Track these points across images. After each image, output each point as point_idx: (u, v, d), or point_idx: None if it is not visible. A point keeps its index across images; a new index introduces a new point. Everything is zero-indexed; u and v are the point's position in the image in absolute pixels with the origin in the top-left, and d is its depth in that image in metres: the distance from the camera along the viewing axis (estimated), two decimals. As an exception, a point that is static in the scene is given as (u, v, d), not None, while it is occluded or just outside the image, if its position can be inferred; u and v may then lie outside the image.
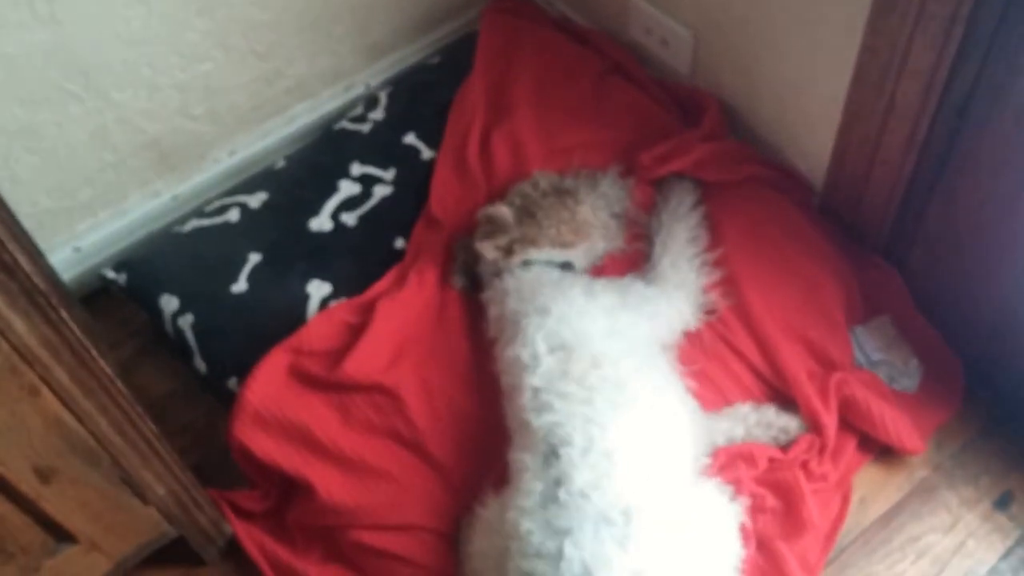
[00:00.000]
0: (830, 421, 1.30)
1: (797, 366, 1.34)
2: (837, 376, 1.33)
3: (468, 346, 1.39)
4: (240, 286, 1.46)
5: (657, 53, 1.69)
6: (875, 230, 1.46)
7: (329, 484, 1.24)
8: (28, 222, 1.44)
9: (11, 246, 0.89)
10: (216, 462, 1.36)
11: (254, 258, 1.49)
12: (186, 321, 1.44)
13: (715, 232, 1.46)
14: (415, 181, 1.57)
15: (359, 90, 1.74)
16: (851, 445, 1.32)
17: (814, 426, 1.30)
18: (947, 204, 1.33)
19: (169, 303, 1.45)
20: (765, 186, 1.52)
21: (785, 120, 1.53)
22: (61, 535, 1.05)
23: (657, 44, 1.67)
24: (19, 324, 0.85)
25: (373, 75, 1.75)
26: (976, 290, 1.36)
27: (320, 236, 1.52)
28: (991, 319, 1.36)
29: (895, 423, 1.31)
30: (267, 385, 1.33)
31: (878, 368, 1.40)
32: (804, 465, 1.28)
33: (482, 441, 1.29)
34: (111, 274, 1.51)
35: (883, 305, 1.45)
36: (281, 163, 1.64)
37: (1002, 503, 1.31)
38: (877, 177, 1.38)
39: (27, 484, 0.96)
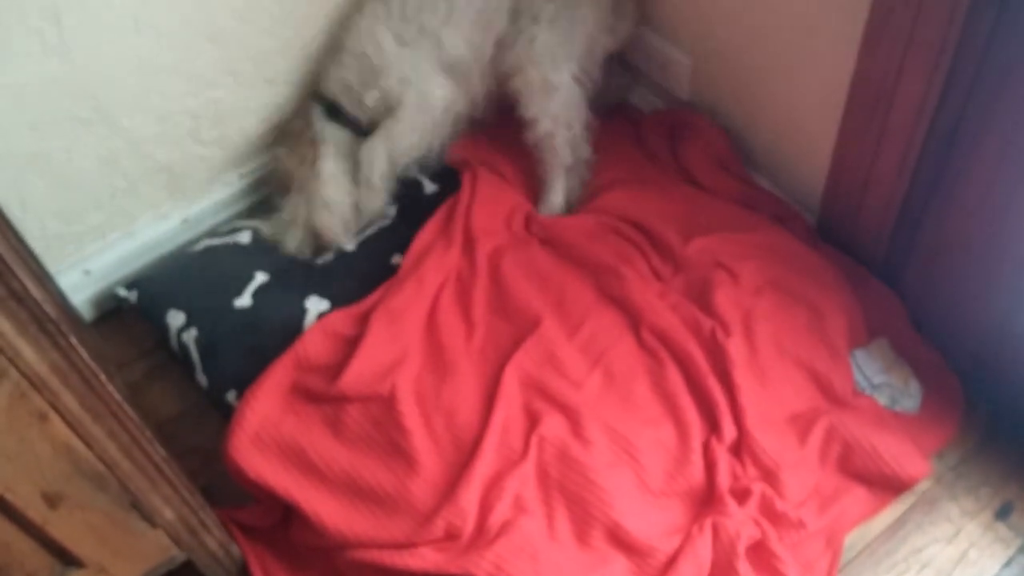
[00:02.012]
0: (789, 469, 1.29)
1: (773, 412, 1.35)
2: (828, 419, 1.33)
3: (464, 354, 1.41)
4: (244, 301, 1.49)
5: (656, 78, 1.71)
6: (870, 250, 1.47)
7: (319, 509, 1.25)
8: (37, 245, 1.47)
9: (21, 273, 0.90)
10: (225, 483, 1.36)
11: (261, 277, 1.52)
12: (190, 336, 1.46)
13: (724, 271, 1.47)
14: (416, 214, 1.60)
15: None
16: (848, 495, 1.31)
17: (765, 475, 1.30)
18: (939, 224, 1.35)
19: (176, 318, 1.48)
20: (767, 220, 1.55)
21: (781, 144, 1.54)
22: (68, 560, 1.05)
23: (656, 69, 1.69)
24: (28, 351, 0.85)
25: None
26: (970, 305, 1.37)
27: (324, 261, 1.57)
28: (986, 333, 1.37)
29: (895, 454, 1.31)
30: (267, 403, 1.35)
31: (879, 391, 1.40)
32: (767, 512, 1.27)
33: (477, 449, 1.29)
34: (123, 292, 1.55)
35: (881, 326, 1.46)
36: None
37: (1003, 513, 1.32)
38: (871, 199, 1.40)
39: (35, 509, 0.96)
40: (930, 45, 1.16)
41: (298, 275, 1.53)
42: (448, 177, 1.65)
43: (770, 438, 1.31)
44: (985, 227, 1.28)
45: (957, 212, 1.31)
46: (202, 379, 1.45)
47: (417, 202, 1.62)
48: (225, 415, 1.40)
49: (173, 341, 1.48)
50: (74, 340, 0.90)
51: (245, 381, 1.38)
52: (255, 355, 1.41)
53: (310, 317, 1.47)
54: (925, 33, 1.16)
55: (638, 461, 1.29)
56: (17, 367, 0.86)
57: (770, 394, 1.37)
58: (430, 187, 1.65)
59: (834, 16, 1.29)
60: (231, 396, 1.41)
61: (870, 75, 1.27)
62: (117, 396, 0.97)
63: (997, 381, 1.39)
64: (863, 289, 1.47)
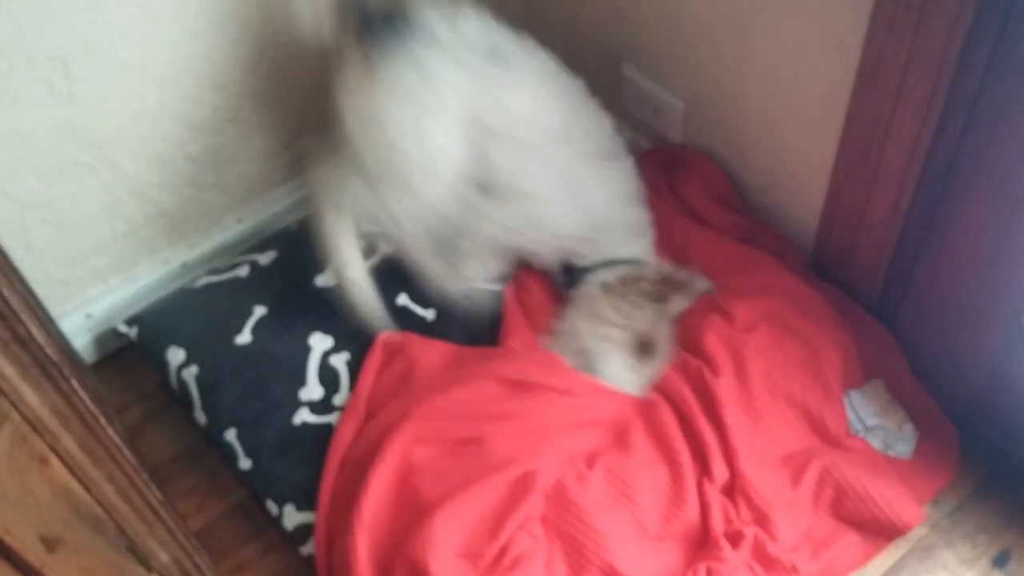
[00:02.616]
0: (782, 511, 1.29)
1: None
2: (821, 462, 1.33)
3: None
4: (244, 337, 1.49)
5: (649, 121, 1.73)
6: (865, 291, 1.48)
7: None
8: (40, 290, 1.48)
9: (25, 317, 0.91)
10: (218, 527, 1.36)
11: (259, 311, 1.52)
12: (190, 373, 1.46)
13: (718, 308, 1.47)
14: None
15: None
16: (841, 540, 1.30)
17: (758, 517, 1.29)
18: (934, 265, 1.36)
19: (176, 355, 1.48)
20: (766, 256, 1.54)
21: (774, 186, 1.56)
22: (64, 604, 1.05)
23: (649, 113, 1.72)
24: (31, 395, 0.86)
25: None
26: (966, 348, 1.37)
27: (325, 290, 1.55)
28: (982, 377, 1.37)
29: (888, 500, 1.30)
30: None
31: (873, 433, 1.40)
32: (760, 557, 1.26)
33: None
34: (123, 328, 1.55)
35: (876, 367, 1.45)
36: (294, 226, 1.68)
37: (1000, 561, 1.31)
38: (865, 241, 1.41)
39: (33, 554, 0.94)
40: (922, 88, 1.18)
41: (298, 309, 1.52)
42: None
43: (763, 479, 1.31)
44: (979, 269, 1.29)
45: (951, 253, 1.32)
46: (200, 417, 1.45)
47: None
48: (223, 454, 1.40)
49: (173, 378, 1.48)
50: (75, 384, 0.91)
51: (244, 419, 1.38)
52: (255, 393, 1.42)
53: (314, 355, 1.47)
54: (917, 77, 1.18)
55: (634, 503, 1.29)
56: (19, 411, 0.86)
57: (763, 433, 1.36)
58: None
59: (826, 59, 1.31)
60: (230, 434, 1.41)
61: (862, 118, 1.29)
62: (116, 439, 0.98)
63: (994, 426, 1.38)
64: (859, 328, 1.47)
